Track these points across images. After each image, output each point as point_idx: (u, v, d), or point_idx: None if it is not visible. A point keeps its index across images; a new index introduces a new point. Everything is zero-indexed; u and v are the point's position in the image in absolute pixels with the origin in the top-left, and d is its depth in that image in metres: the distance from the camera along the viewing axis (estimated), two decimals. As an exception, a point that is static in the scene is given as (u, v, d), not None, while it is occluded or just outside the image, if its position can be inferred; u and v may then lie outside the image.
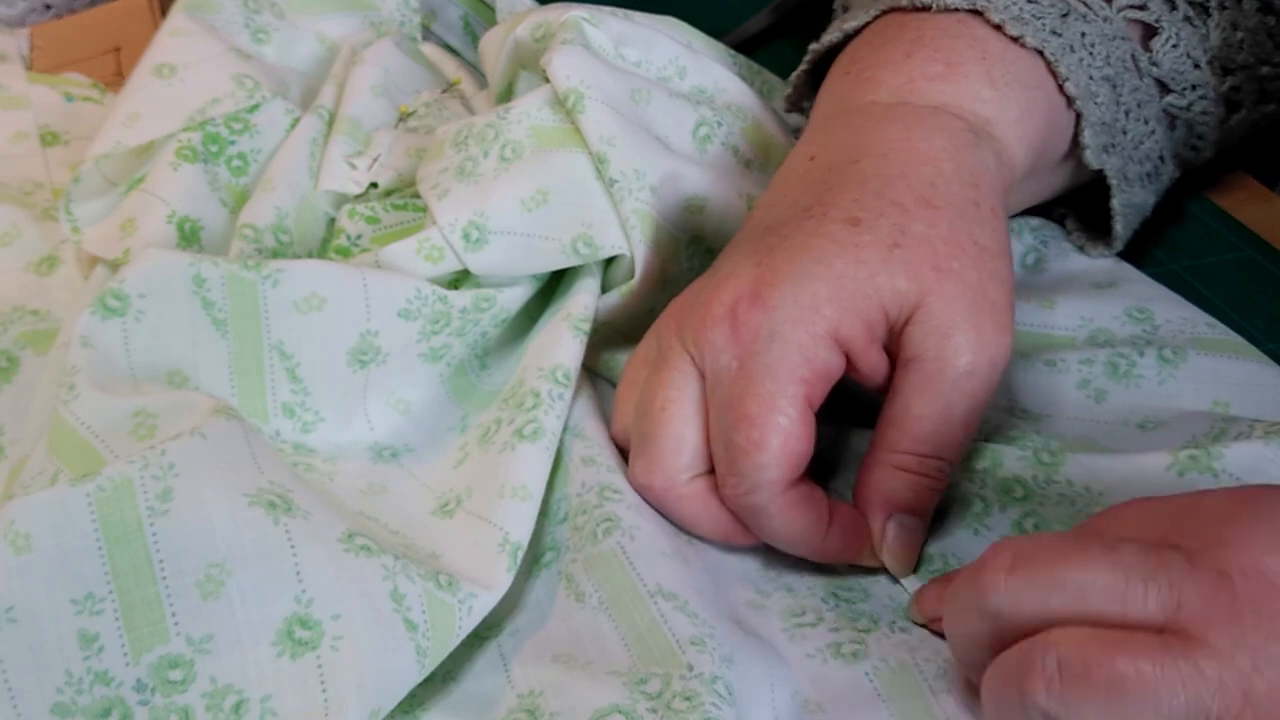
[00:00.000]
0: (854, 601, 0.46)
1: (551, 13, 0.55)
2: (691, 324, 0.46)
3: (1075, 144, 0.53)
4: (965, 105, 0.50)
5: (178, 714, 0.40)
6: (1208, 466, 0.44)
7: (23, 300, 0.56)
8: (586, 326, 0.51)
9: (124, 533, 0.40)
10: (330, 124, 0.58)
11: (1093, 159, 0.52)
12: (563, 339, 0.50)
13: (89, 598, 0.39)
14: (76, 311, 0.49)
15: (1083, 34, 0.52)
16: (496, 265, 0.51)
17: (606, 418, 0.51)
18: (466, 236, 0.51)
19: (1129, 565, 0.36)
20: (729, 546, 0.48)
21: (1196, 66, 0.54)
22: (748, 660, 0.43)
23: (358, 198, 0.56)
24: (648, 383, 0.47)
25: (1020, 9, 0.51)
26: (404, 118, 0.59)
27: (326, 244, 0.56)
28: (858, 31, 0.53)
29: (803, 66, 0.56)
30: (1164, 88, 0.55)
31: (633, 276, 0.52)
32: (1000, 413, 0.51)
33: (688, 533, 0.47)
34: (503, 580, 0.44)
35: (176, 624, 0.40)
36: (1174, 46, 0.54)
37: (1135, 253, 0.57)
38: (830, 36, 0.54)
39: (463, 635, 0.43)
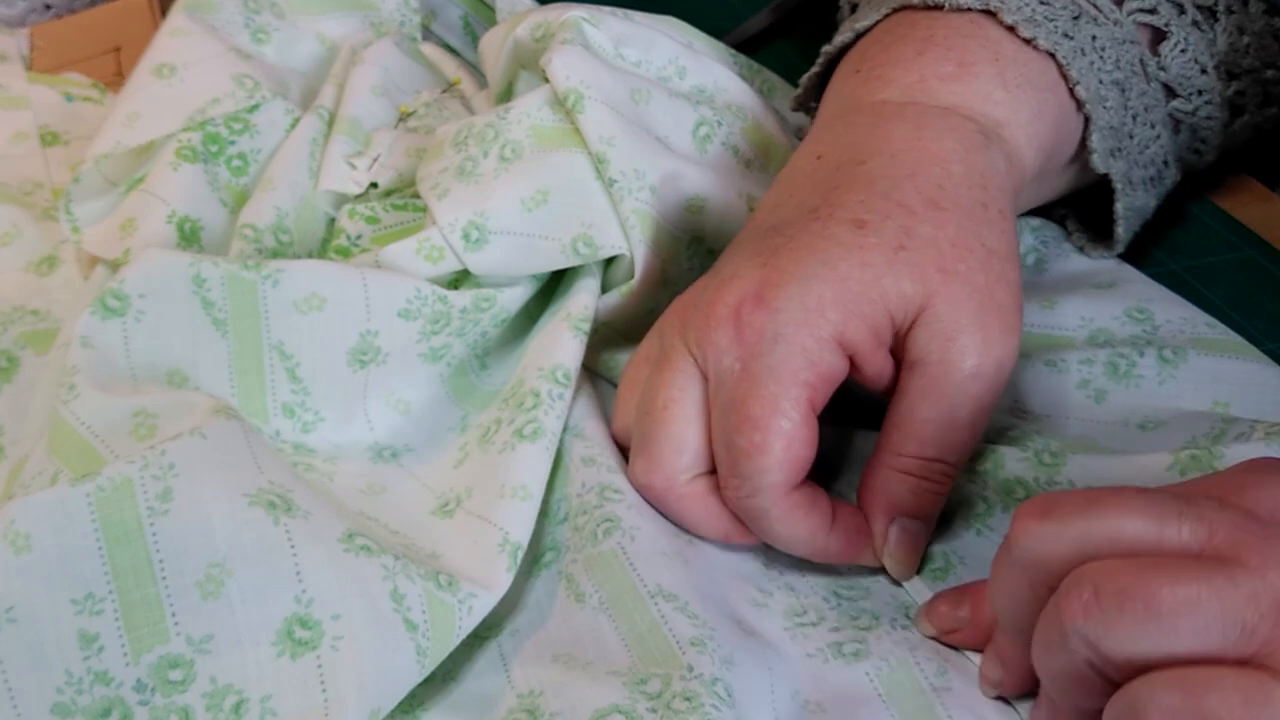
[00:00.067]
0: (855, 599, 0.46)
1: (551, 13, 0.55)
2: (695, 324, 0.46)
3: (1083, 147, 0.52)
4: (976, 106, 0.50)
5: (178, 714, 0.40)
6: (1210, 466, 0.44)
7: (23, 300, 0.56)
8: (586, 326, 0.51)
9: (124, 533, 0.40)
10: (330, 124, 0.58)
11: (1099, 163, 0.52)
12: (563, 339, 0.50)
13: (89, 598, 0.39)
14: (76, 311, 0.49)
15: (1093, 37, 0.52)
16: (496, 265, 0.51)
17: (607, 418, 0.51)
18: (466, 236, 0.51)
19: (1162, 503, 0.36)
20: (730, 546, 0.48)
21: (1203, 72, 0.54)
22: (748, 661, 0.43)
23: (358, 198, 0.56)
24: (649, 382, 0.47)
25: (1033, 11, 0.51)
26: (404, 118, 0.59)
27: (326, 244, 0.56)
28: (868, 30, 0.53)
29: (815, 69, 0.56)
30: (1170, 92, 0.55)
31: (633, 276, 0.52)
32: (1002, 413, 0.51)
33: (688, 533, 0.47)
34: (503, 580, 0.44)
35: (176, 624, 0.40)
36: (1182, 51, 0.54)
37: (1135, 253, 0.57)
38: (842, 37, 0.54)
39: (463, 635, 0.43)
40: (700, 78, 0.57)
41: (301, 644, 0.40)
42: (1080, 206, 0.57)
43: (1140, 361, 0.51)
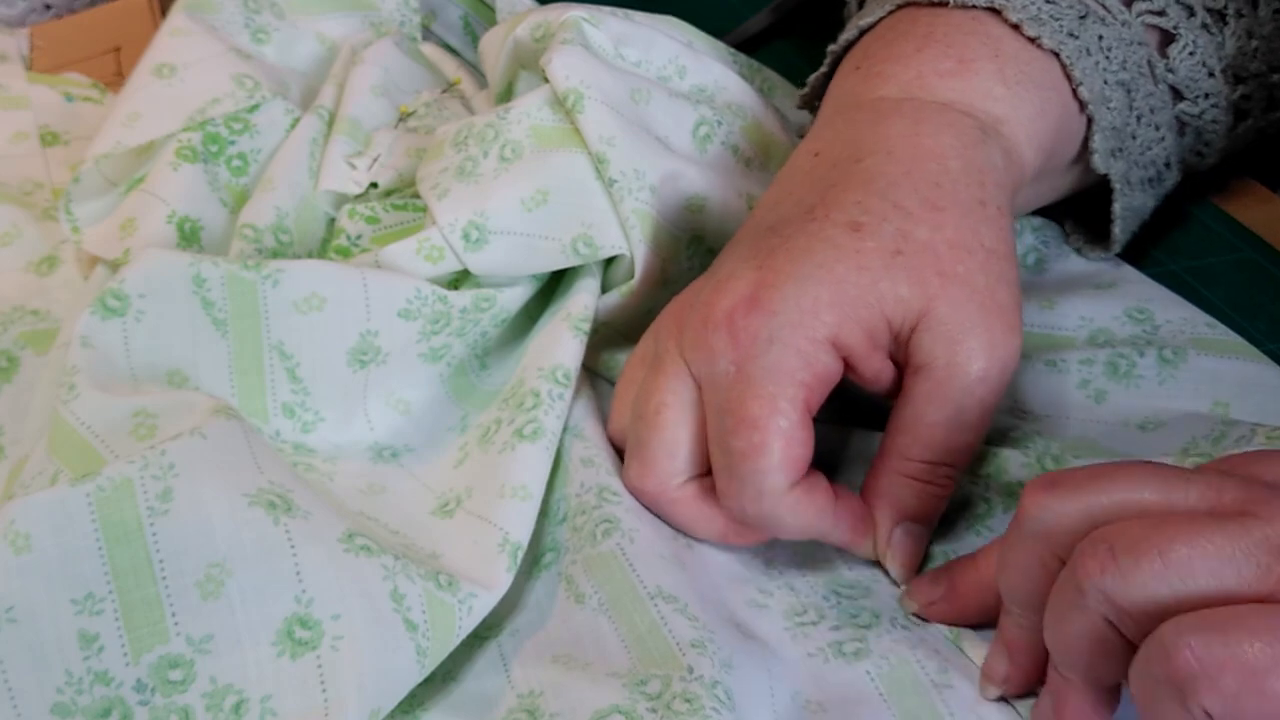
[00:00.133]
0: (855, 598, 0.46)
1: (551, 13, 0.55)
2: (691, 327, 0.46)
3: (1085, 148, 0.52)
4: (976, 103, 0.50)
5: (178, 714, 0.40)
6: (1209, 467, 0.44)
7: (23, 300, 0.56)
8: (586, 326, 0.51)
9: (124, 533, 0.40)
10: (330, 124, 0.58)
11: (1100, 163, 0.52)
12: (563, 339, 0.50)
13: (89, 598, 0.39)
14: (76, 311, 0.49)
15: (1100, 37, 0.52)
16: (496, 265, 0.51)
17: (606, 418, 0.51)
18: (466, 236, 0.51)
19: (1168, 471, 0.37)
20: (728, 546, 0.48)
21: (1211, 75, 0.54)
22: (747, 664, 0.43)
23: (358, 198, 0.56)
24: (643, 386, 0.47)
25: (1039, 9, 0.51)
26: (404, 118, 0.59)
27: (326, 244, 0.56)
28: (872, 26, 0.53)
29: (822, 68, 0.56)
30: (1178, 95, 0.55)
31: (633, 276, 0.52)
32: (1002, 414, 0.51)
33: (686, 535, 0.47)
34: (503, 580, 0.44)
35: (176, 624, 0.40)
36: (1190, 54, 0.53)
37: (1135, 253, 0.57)
38: (847, 34, 0.54)
39: (463, 635, 0.43)
40: (700, 77, 0.57)
41: (301, 644, 0.40)
42: (1078, 207, 0.57)
43: (1140, 362, 0.51)
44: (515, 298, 0.52)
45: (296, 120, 0.57)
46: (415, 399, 0.52)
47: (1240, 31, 0.55)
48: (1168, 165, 0.55)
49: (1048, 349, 0.52)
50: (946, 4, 0.51)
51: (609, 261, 0.53)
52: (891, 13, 0.53)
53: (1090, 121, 0.52)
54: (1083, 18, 0.52)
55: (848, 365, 0.45)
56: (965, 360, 0.45)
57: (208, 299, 0.49)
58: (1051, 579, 0.38)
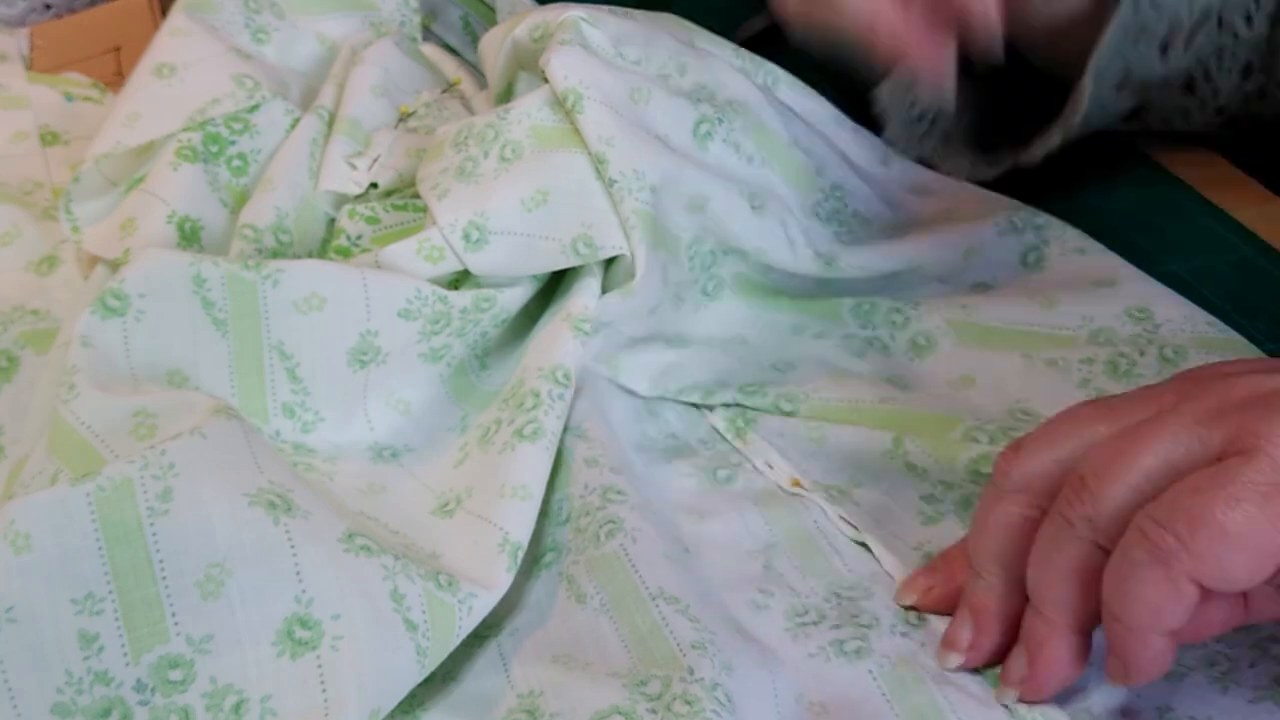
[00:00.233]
0: (856, 599, 0.46)
1: (550, 13, 0.55)
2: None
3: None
4: None
5: (178, 714, 0.40)
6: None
7: (23, 300, 0.56)
8: (586, 326, 0.51)
9: (124, 533, 0.40)
10: (330, 124, 0.58)
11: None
12: (563, 339, 0.50)
13: (89, 598, 0.39)
14: (76, 311, 0.49)
15: None
16: (496, 265, 0.51)
17: (608, 418, 0.51)
18: (466, 237, 0.51)
19: (1109, 401, 0.41)
20: (732, 548, 0.47)
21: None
22: (748, 666, 0.43)
23: (358, 198, 0.56)
24: None
25: None
26: (404, 118, 0.59)
27: (326, 244, 0.56)
28: None
29: None
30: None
31: (633, 276, 0.52)
32: (1003, 414, 0.51)
33: (687, 538, 0.47)
34: (503, 580, 0.44)
35: (176, 624, 0.40)
36: None
37: (1135, 253, 0.57)
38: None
39: (463, 635, 0.43)
40: (701, 74, 0.56)
41: (301, 644, 0.40)
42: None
43: (1141, 361, 0.51)
44: (515, 298, 0.52)
45: (296, 120, 0.57)
46: (415, 399, 0.52)
47: None
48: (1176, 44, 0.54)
49: (1049, 348, 0.52)
50: None
51: (609, 262, 0.53)
52: None
53: None
54: None
55: None
56: None
57: (208, 299, 0.49)
58: (1031, 531, 0.40)
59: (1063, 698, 0.42)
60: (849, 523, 0.48)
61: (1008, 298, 0.56)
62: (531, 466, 0.47)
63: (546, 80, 0.52)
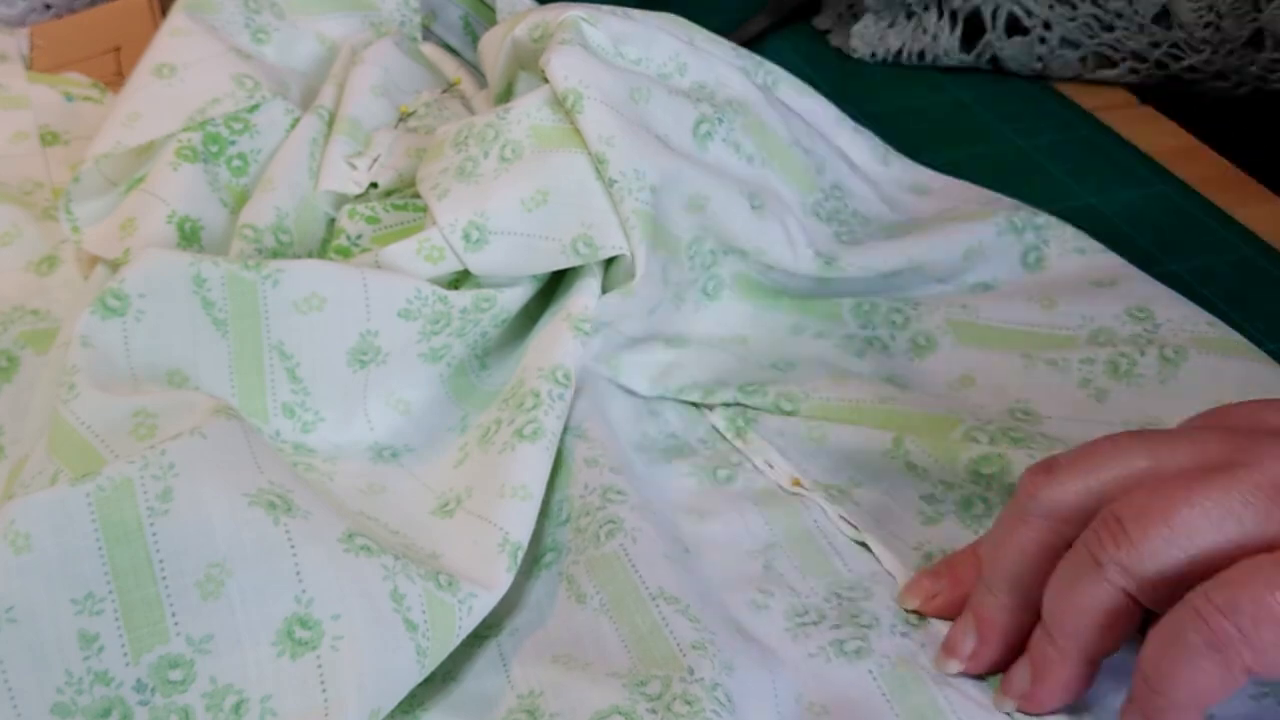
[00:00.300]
0: (856, 599, 0.46)
1: (550, 13, 0.55)
2: None
3: None
4: None
5: (178, 714, 0.40)
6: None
7: (23, 300, 0.56)
8: (586, 326, 0.51)
9: (124, 533, 0.40)
10: (330, 124, 0.58)
11: None
12: (563, 339, 0.50)
13: (89, 598, 0.39)
14: (76, 311, 0.49)
15: None
16: (497, 265, 0.51)
17: (608, 418, 0.51)
18: (467, 237, 0.51)
19: (1153, 436, 0.40)
20: (732, 548, 0.47)
21: None
22: (748, 666, 0.43)
23: (358, 198, 0.56)
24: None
25: None
26: (404, 118, 0.59)
27: (326, 244, 0.56)
28: None
29: None
30: None
31: (633, 276, 0.52)
32: (1004, 414, 0.51)
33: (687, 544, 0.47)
34: (503, 580, 0.44)
35: (176, 624, 0.40)
36: None
37: (1135, 253, 0.57)
38: None
39: (463, 635, 0.43)
40: (701, 74, 0.57)
41: (301, 644, 0.40)
42: None
43: (1141, 360, 0.51)
44: (515, 298, 0.52)
45: (296, 120, 0.57)
46: (415, 399, 0.52)
47: None
48: None
49: (1049, 348, 0.52)
50: None
51: (609, 261, 0.53)
52: None
53: None
54: None
55: None
56: None
57: (208, 299, 0.49)
58: (1052, 557, 0.39)
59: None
60: (849, 522, 0.48)
61: (1008, 298, 0.56)
62: (531, 466, 0.47)
63: (546, 80, 0.52)
